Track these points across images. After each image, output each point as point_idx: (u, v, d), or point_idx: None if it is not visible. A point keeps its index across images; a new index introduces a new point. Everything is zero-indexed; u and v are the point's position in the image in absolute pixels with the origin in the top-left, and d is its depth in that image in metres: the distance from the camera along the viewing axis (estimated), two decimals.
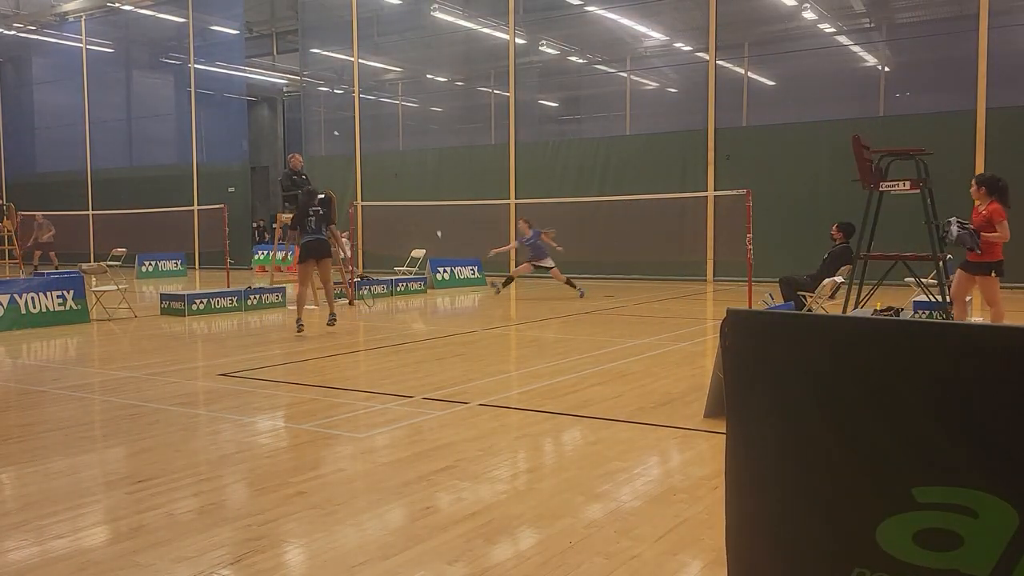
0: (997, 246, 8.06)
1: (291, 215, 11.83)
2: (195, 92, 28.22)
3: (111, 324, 12.15)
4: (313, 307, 12.47)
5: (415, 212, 21.93)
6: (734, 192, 14.80)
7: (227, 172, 27.55)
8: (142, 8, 28.83)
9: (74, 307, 12.11)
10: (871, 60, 20.23)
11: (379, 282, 16.63)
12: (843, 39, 20.48)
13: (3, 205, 28.35)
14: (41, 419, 6.22)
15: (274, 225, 21.68)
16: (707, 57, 19.81)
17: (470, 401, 6.62)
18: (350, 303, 14.81)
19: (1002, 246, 8.10)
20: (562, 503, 4.19)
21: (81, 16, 29.99)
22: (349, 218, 18.87)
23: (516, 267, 16.06)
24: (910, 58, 19.56)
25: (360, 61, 25.07)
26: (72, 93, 30.71)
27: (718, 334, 2.48)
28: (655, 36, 22.79)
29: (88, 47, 30.37)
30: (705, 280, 19.56)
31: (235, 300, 13.71)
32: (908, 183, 9.71)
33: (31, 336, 10.93)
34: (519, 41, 22.61)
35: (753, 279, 13.27)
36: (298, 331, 10.48)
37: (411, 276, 18.00)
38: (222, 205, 18.87)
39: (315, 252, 10.69)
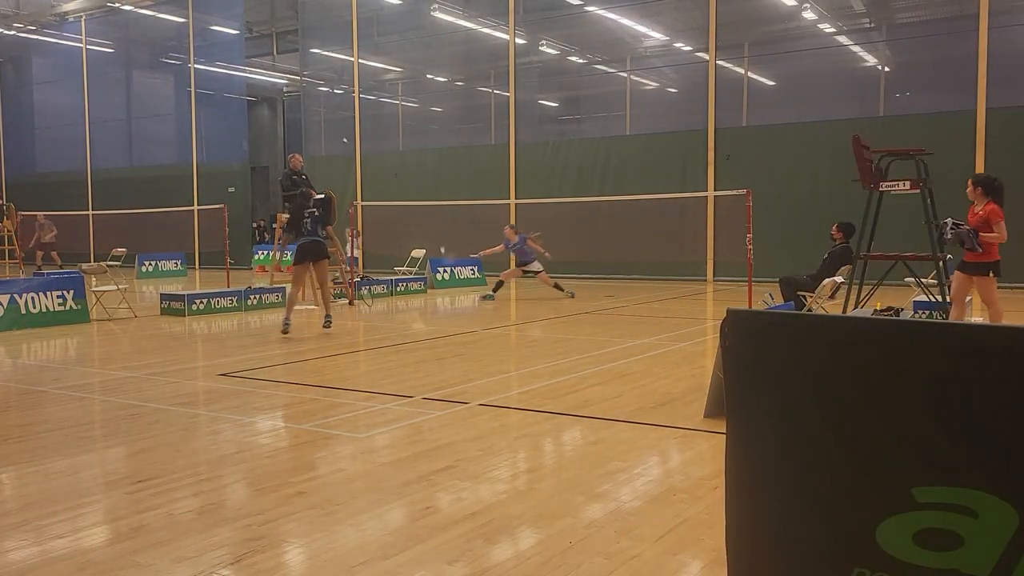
0: (994, 246, 8.07)
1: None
2: (195, 92, 28.22)
3: (111, 324, 12.15)
4: (313, 307, 12.47)
5: (415, 212, 21.94)
6: (734, 192, 14.80)
7: (227, 172, 27.55)
8: (142, 8, 28.83)
9: (74, 307, 12.10)
10: (871, 60, 20.24)
11: (379, 282, 16.64)
12: (843, 39, 20.49)
13: (3, 205, 28.37)
14: (41, 419, 6.22)
15: (274, 225, 21.70)
16: (707, 57, 19.81)
17: (470, 401, 6.62)
18: (350, 303, 14.81)
19: (998, 246, 8.11)
20: (562, 503, 4.19)
21: (81, 16, 29.99)
22: (349, 218, 18.86)
23: (506, 270, 16.05)
24: (910, 58, 19.57)
25: (360, 61, 25.07)
26: (72, 93, 30.72)
27: (718, 334, 2.48)
28: (655, 36, 22.79)
29: (88, 47, 30.38)
30: (705, 280, 19.56)
31: (235, 300, 13.72)
32: (908, 183, 9.72)
33: (31, 336, 10.93)
34: (519, 41, 22.61)
35: (753, 279, 13.27)
36: (283, 331, 10.32)
37: (411, 276, 18.01)
38: (222, 205, 18.88)
39: (311, 254, 10.58)
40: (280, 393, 7.14)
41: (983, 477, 1.92)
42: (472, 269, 19.02)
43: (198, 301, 13.19)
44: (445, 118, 26.38)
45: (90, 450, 5.37)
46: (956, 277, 8.47)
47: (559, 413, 6.24)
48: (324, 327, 10.64)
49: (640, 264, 20.16)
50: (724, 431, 2.46)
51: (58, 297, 11.95)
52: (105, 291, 13.16)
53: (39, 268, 22.11)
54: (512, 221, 21.65)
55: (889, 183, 9.77)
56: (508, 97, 22.41)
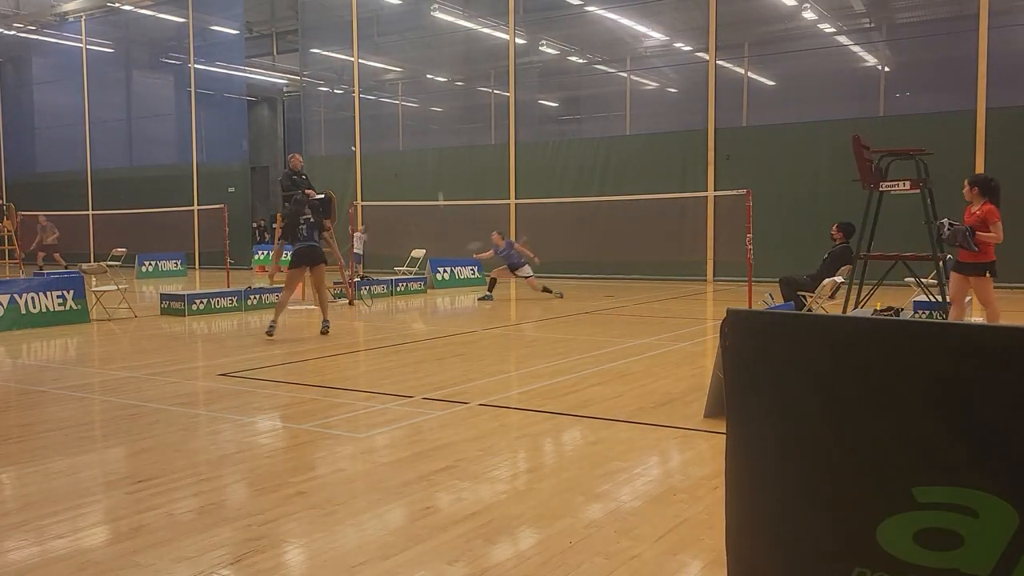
0: (990, 247, 8.07)
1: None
2: (195, 92, 28.23)
3: (111, 324, 12.15)
4: (313, 307, 12.45)
5: (415, 212, 21.94)
6: (734, 192, 14.80)
7: (227, 172, 27.56)
8: (142, 8, 28.84)
9: (74, 307, 12.11)
10: (871, 60, 20.24)
11: (379, 282, 16.64)
12: (843, 39, 20.49)
13: (3, 205, 28.38)
14: (41, 419, 6.22)
15: (274, 225, 21.69)
16: (707, 57, 19.81)
17: (470, 401, 6.62)
18: (350, 303, 14.81)
19: (994, 247, 8.12)
20: (562, 503, 4.19)
21: (81, 16, 30.00)
22: (349, 218, 18.87)
23: (497, 268, 16.08)
24: (910, 58, 19.57)
25: (360, 61, 25.07)
26: (72, 93, 30.73)
27: (718, 334, 2.48)
28: (655, 36, 22.79)
29: (88, 47, 30.39)
30: (705, 280, 19.56)
31: (235, 300, 13.72)
32: (908, 183, 9.72)
33: (31, 336, 10.93)
34: (519, 41, 22.61)
35: (753, 279, 13.27)
36: (267, 333, 10.18)
37: (411, 276, 18.01)
38: (222, 205, 18.88)
39: (308, 259, 10.43)
40: (280, 393, 7.14)
41: (983, 477, 1.92)
42: (472, 269, 19.03)
43: (198, 301, 13.20)
44: (445, 118, 26.39)
45: (90, 450, 5.37)
46: (953, 278, 8.48)
47: (559, 413, 6.24)
48: (322, 333, 10.52)
49: (640, 264, 20.16)
50: (724, 431, 2.46)
51: (58, 297, 11.95)
52: (105, 291, 13.16)
53: (40, 268, 22.11)
54: (512, 221, 21.68)
55: (889, 183, 9.77)
56: (508, 97, 22.41)
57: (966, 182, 8.37)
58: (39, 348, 10.12)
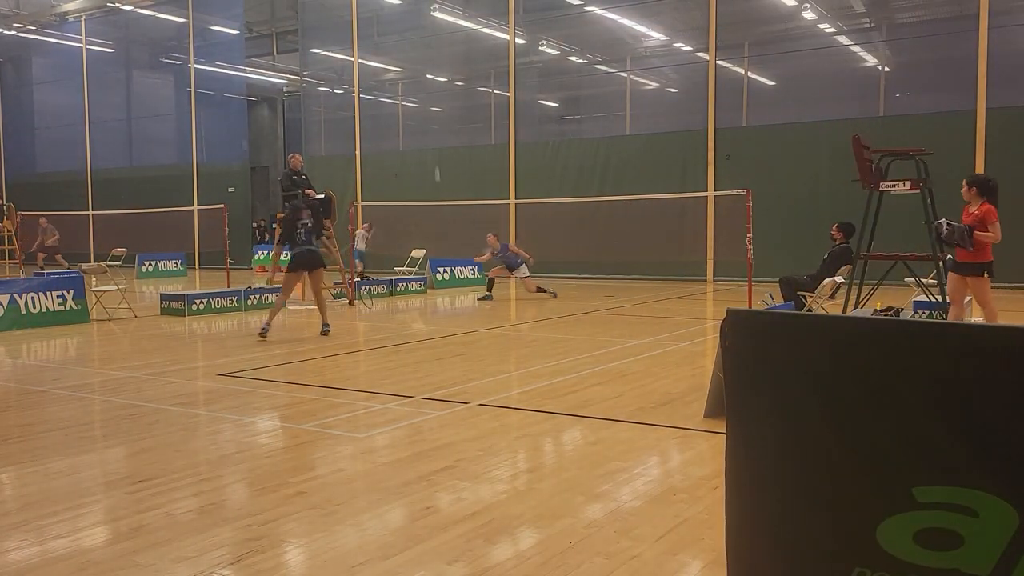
0: (988, 247, 8.07)
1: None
2: (195, 92, 28.22)
3: (111, 324, 12.15)
4: (313, 307, 12.44)
5: (415, 212, 21.94)
6: (734, 192, 14.79)
7: (227, 172, 27.55)
8: (142, 8, 28.83)
9: (74, 307, 12.11)
10: (871, 60, 20.24)
11: (379, 282, 16.64)
12: (843, 39, 20.49)
13: (3, 205, 28.37)
14: (41, 419, 6.22)
15: (274, 225, 21.68)
16: (707, 57, 19.81)
17: (470, 401, 6.62)
18: (350, 303, 14.81)
19: (991, 247, 8.12)
20: (562, 503, 4.19)
21: (81, 16, 29.99)
22: (349, 218, 18.86)
23: (494, 267, 16.16)
24: (910, 58, 19.57)
25: (360, 61, 25.07)
26: (72, 93, 30.72)
27: (718, 334, 2.48)
28: (655, 36, 22.79)
29: (88, 47, 30.38)
30: (705, 280, 19.56)
31: (235, 300, 13.72)
32: (908, 183, 9.72)
33: (31, 336, 10.93)
34: (519, 41, 22.61)
35: (753, 279, 13.27)
36: (260, 335, 10.13)
37: (411, 276, 18.01)
38: (222, 205, 18.88)
39: (306, 264, 10.39)
40: (280, 393, 7.14)
41: (983, 477, 1.93)
42: (472, 269, 19.03)
43: (198, 301, 13.20)
44: (445, 118, 26.38)
45: (90, 450, 5.37)
46: (951, 278, 8.48)
47: (559, 413, 6.24)
48: (322, 335, 10.48)
49: (640, 264, 20.15)
50: (724, 431, 2.46)
51: (58, 297, 11.95)
52: (105, 291, 13.16)
53: (40, 269, 22.11)
54: (512, 221, 21.68)
55: (889, 183, 9.77)
56: (508, 97, 22.41)
57: (964, 182, 8.38)
58: (39, 348, 10.12)
